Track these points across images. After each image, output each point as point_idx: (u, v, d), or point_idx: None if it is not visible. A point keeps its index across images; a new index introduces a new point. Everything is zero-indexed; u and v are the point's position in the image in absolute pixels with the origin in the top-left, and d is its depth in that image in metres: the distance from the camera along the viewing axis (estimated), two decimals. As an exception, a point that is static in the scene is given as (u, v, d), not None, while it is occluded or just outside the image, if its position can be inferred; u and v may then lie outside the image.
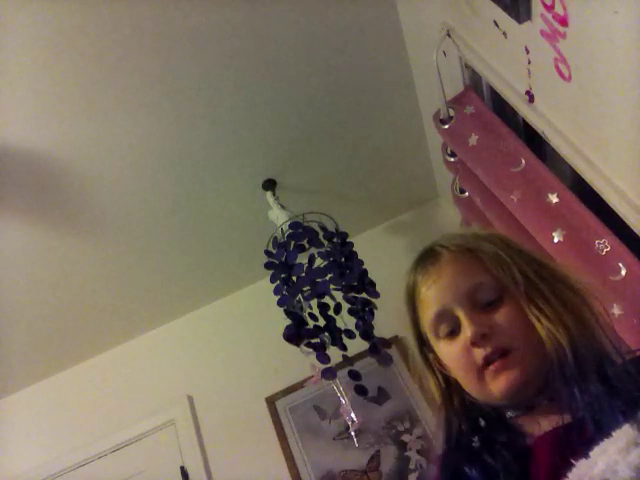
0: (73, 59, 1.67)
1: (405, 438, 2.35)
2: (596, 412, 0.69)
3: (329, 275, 2.02)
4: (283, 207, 2.24)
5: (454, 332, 0.81)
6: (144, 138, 1.97)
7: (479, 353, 0.77)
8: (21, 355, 2.64)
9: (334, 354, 2.02)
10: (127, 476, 2.52)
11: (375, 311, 2.02)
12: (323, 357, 2.00)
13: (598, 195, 1.17)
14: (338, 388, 2.09)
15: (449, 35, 1.54)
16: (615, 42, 0.90)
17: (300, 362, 2.10)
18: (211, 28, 1.74)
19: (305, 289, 2.03)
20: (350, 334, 2.00)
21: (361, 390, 2.05)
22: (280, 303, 2.06)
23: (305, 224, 2.15)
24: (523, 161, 1.40)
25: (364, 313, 2.02)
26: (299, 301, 2.05)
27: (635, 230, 1.11)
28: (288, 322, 2.02)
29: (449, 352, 0.82)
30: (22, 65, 1.63)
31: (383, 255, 2.53)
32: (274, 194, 2.32)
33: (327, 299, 2.05)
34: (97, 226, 2.23)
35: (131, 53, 1.71)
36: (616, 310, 1.15)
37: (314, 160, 2.36)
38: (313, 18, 1.83)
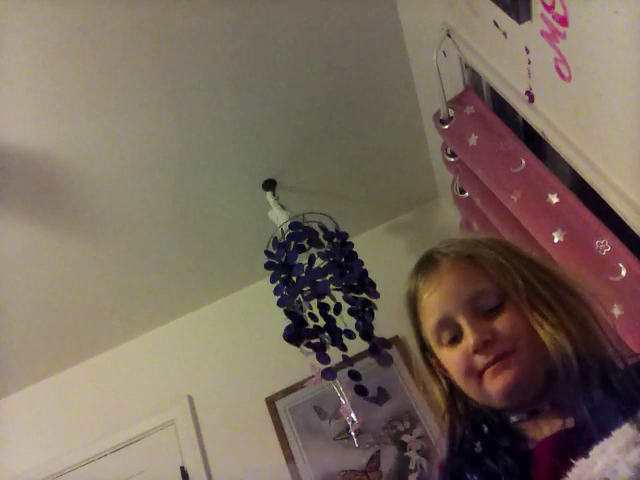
0: (73, 59, 1.67)
1: (405, 438, 2.35)
2: (599, 417, 0.69)
3: (329, 275, 2.02)
4: (283, 207, 2.24)
5: (456, 339, 0.82)
6: (144, 138, 1.98)
7: (481, 360, 0.78)
8: (21, 355, 2.64)
9: (334, 354, 2.02)
10: (127, 476, 2.52)
11: (375, 311, 2.02)
12: (323, 357, 2.00)
13: (598, 195, 1.17)
14: (338, 388, 2.09)
15: (449, 35, 1.54)
16: (615, 42, 0.90)
17: (300, 362, 2.09)
18: (211, 29, 1.74)
19: (305, 289, 2.03)
20: (350, 334, 2.00)
21: (361, 390, 2.05)
22: (280, 303, 2.06)
23: (305, 224, 2.15)
24: (523, 161, 1.40)
25: (364, 313, 2.02)
26: (299, 301, 2.05)
27: (635, 230, 1.11)
28: (288, 322, 2.02)
29: (451, 359, 0.83)
30: (22, 65, 1.63)
31: (383, 255, 2.54)
32: (274, 194, 2.32)
33: (327, 299, 2.05)
34: (97, 226, 2.23)
35: (131, 53, 1.71)
36: (616, 310, 1.15)
37: (314, 160, 2.36)
38: (313, 18, 1.83)
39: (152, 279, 2.58)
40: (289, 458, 2.42)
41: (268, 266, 2.12)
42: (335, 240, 2.12)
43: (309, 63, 1.96)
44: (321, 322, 2.03)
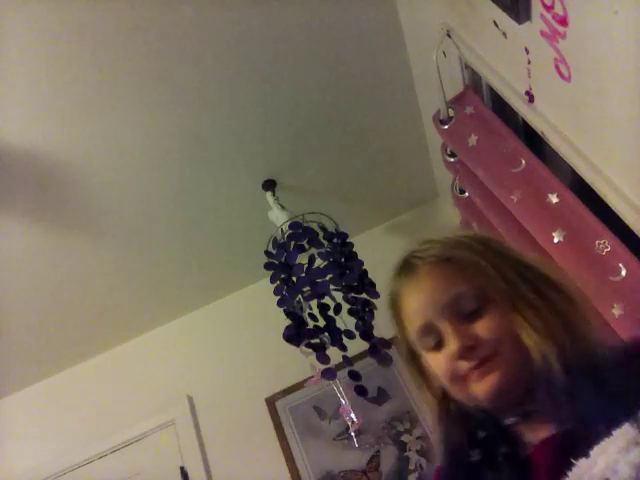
0: (73, 59, 1.67)
1: (405, 438, 2.35)
2: (591, 419, 0.68)
3: (329, 275, 2.02)
4: (283, 207, 2.24)
5: (440, 344, 0.80)
6: (144, 138, 1.97)
7: (465, 365, 0.76)
8: (21, 355, 2.64)
9: (334, 354, 2.02)
10: (127, 476, 2.52)
11: (375, 311, 2.02)
12: (323, 357, 2.00)
13: (598, 195, 1.17)
14: (338, 388, 2.09)
15: (449, 35, 1.54)
16: (615, 42, 0.90)
17: (300, 362, 2.10)
18: (211, 29, 1.74)
19: (305, 289, 2.03)
20: (350, 334, 2.00)
21: (361, 390, 2.05)
22: (280, 303, 2.06)
23: (305, 224, 2.15)
24: (523, 161, 1.40)
25: (364, 313, 2.02)
26: (299, 301, 2.05)
27: (635, 230, 1.11)
28: (288, 322, 2.02)
29: (436, 364, 0.81)
30: (22, 65, 1.63)
31: (383, 255, 2.52)
32: (274, 194, 2.32)
33: (327, 299, 2.05)
34: (97, 227, 2.23)
35: (131, 53, 1.71)
36: (616, 310, 1.15)
37: (314, 160, 2.36)
38: (313, 19, 1.83)
39: (152, 279, 2.58)
40: (289, 458, 2.42)
41: (268, 266, 2.12)
42: (335, 240, 2.12)
43: (309, 63, 1.96)
44: (321, 322, 2.03)
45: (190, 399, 2.66)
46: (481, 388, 0.76)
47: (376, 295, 2.02)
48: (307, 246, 2.12)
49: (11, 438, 2.70)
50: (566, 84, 1.08)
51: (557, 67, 1.08)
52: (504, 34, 1.24)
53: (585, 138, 1.16)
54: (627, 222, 1.12)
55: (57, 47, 1.62)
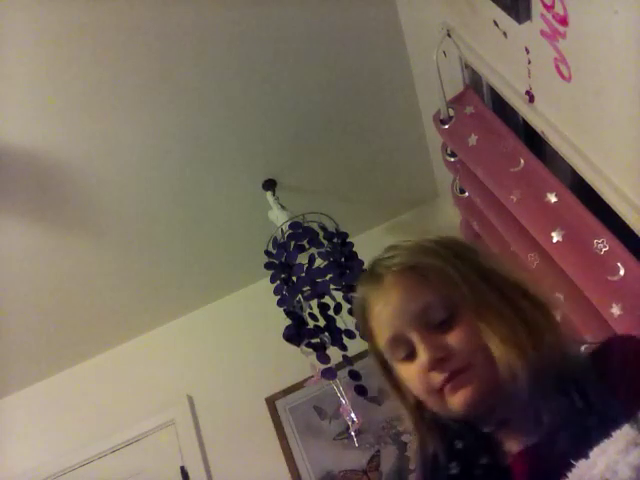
0: (73, 59, 1.67)
1: (405, 438, 2.35)
2: (562, 427, 0.67)
3: (329, 275, 2.02)
4: (283, 207, 2.24)
5: (411, 355, 0.78)
6: (144, 138, 1.97)
7: (437, 377, 0.74)
8: (21, 355, 2.64)
9: (334, 354, 2.02)
10: (127, 476, 2.52)
11: (375, 311, 2.01)
12: (323, 357, 2.00)
13: (598, 195, 1.17)
14: (338, 388, 2.09)
15: (449, 35, 1.54)
16: (615, 42, 0.90)
17: (300, 362, 2.10)
18: (211, 29, 1.74)
19: (305, 289, 2.03)
20: (350, 334, 2.00)
21: (361, 390, 2.06)
22: (280, 303, 2.06)
23: (305, 224, 2.15)
24: (522, 161, 1.40)
25: (364, 313, 2.02)
26: (299, 301, 2.05)
27: (635, 230, 1.11)
28: (288, 322, 2.02)
29: (408, 374, 0.79)
30: (22, 65, 1.63)
31: (383, 255, 2.53)
32: (274, 194, 2.32)
33: (327, 299, 2.05)
34: (97, 226, 2.23)
35: (131, 53, 1.71)
36: (615, 310, 1.15)
37: (314, 160, 2.36)
38: (313, 18, 1.83)
39: (152, 279, 2.58)
40: (289, 458, 2.42)
41: (268, 266, 2.12)
42: (335, 240, 2.12)
43: (309, 63, 1.96)
44: (321, 322, 2.04)
45: (190, 399, 2.66)
46: (455, 401, 0.74)
47: (376, 295, 2.01)
48: (307, 246, 2.12)
49: (11, 438, 2.70)
50: (566, 84, 1.08)
51: (557, 67, 1.08)
52: (504, 34, 1.24)
53: (585, 138, 1.16)
54: (627, 222, 1.12)
55: (57, 47, 1.62)
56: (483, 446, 0.78)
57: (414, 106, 2.25)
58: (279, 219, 2.20)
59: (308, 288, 2.02)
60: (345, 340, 2.02)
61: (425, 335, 0.76)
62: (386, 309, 0.80)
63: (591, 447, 0.64)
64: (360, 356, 2.20)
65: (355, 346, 2.06)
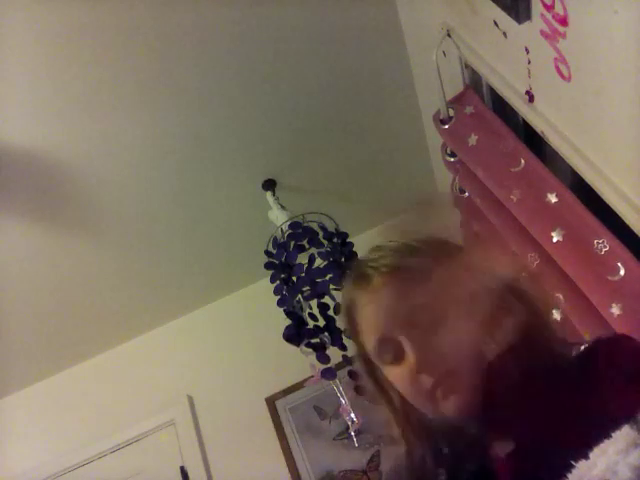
0: (73, 59, 1.67)
1: (405, 438, 2.35)
2: (551, 431, 0.67)
3: (329, 275, 2.02)
4: (283, 207, 2.24)
5: (399, 357, 0.75)
6: (144, 138, 1.97)
7: (427, 379, 0.73)
8: (21, 355, 2.64)
9: (334, 354, 2.02)
10: (127, 476, 2.52)
11: (375, 311, 2.01)
12: (323, 357, 2.00)
13: (598, 195, 1.17)
14: (338, 388, 2.09)
15: (449, 35, 1.54)
16: (615, 42, 0.90)
17: (300, 362, 2.10)
18: (211, 29, 1.74)
19: (305, 289, 2.03)
20: (350, 334, 2.00)
21: (361, 390, 2.05)
22: (280, 303, 2.06)
23: (305, 224, 2.15)
24: (522, 161, 1.40)
25: (364, 313, 2.02)
26: (299, 301, 2.05)
27: (635, 230, 1.11)
28: (288, 322, 2.02)
29: (397, 378, 0.77)
30: (22, 65, 1.63)
31: (383, 255, 2.53)
32: (274, 194, 2.32)
33: (327, 299, 2.05)
34: (97, 226, 2.23)
35: (131, 52, 1.71)
36: (615, 310, 1.15)
37: (314, 160, 2.35)
38: (313, 18, 1.83)
39: (152, 279, 2.58)
40: (289, 458, 2.42)
41: (268, 266, 2.12)
42: (335, 240, 2.12)
43: (309, 63, 1.96)
44: (321, 322, 2.03)
45: (190, 399, 2.66)
46: (449, 408, 0.72)
47: (376, 295, 2.01)
48: (307, 246, 2.12)
49: (11, 438, 2.70)
50: (566, 84, 1.08)
51: (557, 67, 1.08)
52: (504, 34, 1.24)
53: (585, 138, 1.16)
54: (627, 222, 1.11)
55: (57, 47, 1.62)
56: (470, 451, 0.77)
57: (414, 106, 2.25)
58: (279, 219, 2.20)
59: (308, 288, 2.02)
60: (345, 340, 2.02)
61: (413, 337, 0.74)
62: (374, 310, 0.78)
63: (591, 448, 0.64)
64: (360, 356, 2.21)
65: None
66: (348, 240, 2.16)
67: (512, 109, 1.46)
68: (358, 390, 2.05)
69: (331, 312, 2.06)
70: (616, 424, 0.64)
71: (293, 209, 2.22)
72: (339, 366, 2.05)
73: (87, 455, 2.61)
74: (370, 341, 0.79)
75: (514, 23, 1.12)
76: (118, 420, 2.64)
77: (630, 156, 1.04)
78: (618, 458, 0.61)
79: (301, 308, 2.04)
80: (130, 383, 2.73)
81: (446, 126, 1.68)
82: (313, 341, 2.01)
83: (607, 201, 1.14)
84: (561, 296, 1.40)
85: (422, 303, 0.75)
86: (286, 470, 2.40)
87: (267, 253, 2.15)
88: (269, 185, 2.34)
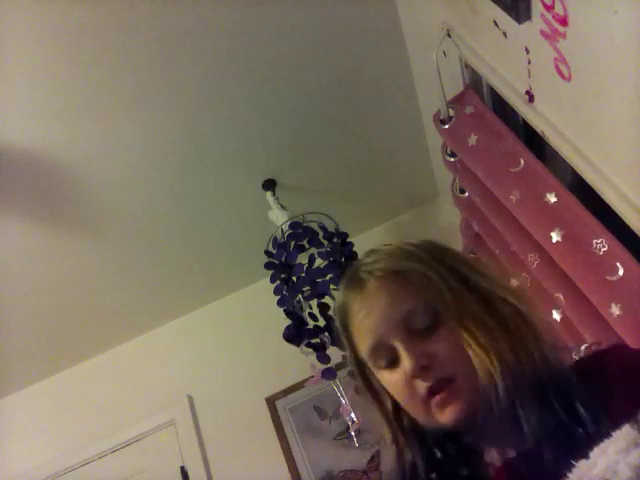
0: (73, 59, 1.67)
1: (405, 438, 2.35)
2: (544, 439, 0.66)
3: (329, 275, 2.02)
4: (283, 207, 2.24)
5: (394, 362, 0.75)
6: (144, 138, 1.97)
7: (421, 385, 0.73)
8: (21, 355, 2.64)
9: (334, 354, 2.02)
10: (127, 476, 2.52)
11: (375, 311, 2.01)
12: (323, 357, 2.00)
13: (598, 195, 1.17)
14: (338, 388, 2.09)
15: (449, 35, 1.54)
16: (615, 42, 0.90)
17: (300, 362, 2.10)
18: (211, 29, 1.74)
19: (305, 289, 2.03)
20: (350, 334, 2.00)
21: (361, 390, 2.05)
22: (280, 303, 2.06)
23: (305, 224, 2.15)
24: (522, 161, 1.40)
25: (364, 313, 2.02)
26: (299, 301, 2.05)
27: (635, 230, 1.11)
28: (288, 322, 2.02)
29: (391, 383, 0.77)
30: (22, 65, 1.63)
31: (383, 255, 2.53)
32: (274, 194, 2.32)
33: (327, 299, 2.05)
34: (97, 226, 2.23)
35: (131, 52, 1.71)
36: (614, 310, 1.15)
37: (314, 160, 2.36)
38: (313, 18, 1.83)
39: (152, 279, 2.58)
40: (289, 458, 2.42)
41: (268, 266, 2.12)
42: (335, 240, 2.12)
43: (309, 63, 1.96)
44: (321, 322, 2.03)
45: (190, 399, 2.66)
46: (444, 417, 0.72)
47: (376, 295, 2.01)
48: (307, 246, 2.12)
49: (11, 438, 2.70)
50: (566, 84, 1.08)
51: (557, 67, 1.08)
52: (504, 34, 1.24)
53: (585, 138, 1.16)
54: (627, 222, 1.11)
55: (57, 47, 1.62)
56: (463, 457, 0.76)
57: (414, 106, 2.25)
58: (279, 219, 2.20)
59: (308, 288, 2.02)
60: (345, 340, 2.02)
61: (408, 342, 0.74)
62: (368, 315, 0.78)
63: (591, 447, 0.64)
64: (360, 356, 2.21)
65: (355, 346, 2.06)
66: (348, 240, 2.16)
67: (512, 109, 1.46)
68: (358, 390, 2.05)
69: (331, 312, 2.05)
70: (616, 424, 0.64)
71: (293, 209, 2.22)
72: (339, 366, 2.05)
73: (87, 455, 2.61)
74: (365, 346, 0.79)
75: (514, 23, 1.12)
76: (118, 420, 2.64)
77: (630, 156, 1.04)
78: (618, 457, 0.61)
79: (301, 308, 2.04)
80: (130, 383, 2.73)
81: (446, 126, 1.68)
82: (313, 341, 2.01)
83: (607, 201, 1.14)
84: (561, 296, 1.40)
85: (417, 308, 0.75)
86: (286, 470, 2.40)
87: (267, 253, 2.15)
88: (269, 185, 2.34)
